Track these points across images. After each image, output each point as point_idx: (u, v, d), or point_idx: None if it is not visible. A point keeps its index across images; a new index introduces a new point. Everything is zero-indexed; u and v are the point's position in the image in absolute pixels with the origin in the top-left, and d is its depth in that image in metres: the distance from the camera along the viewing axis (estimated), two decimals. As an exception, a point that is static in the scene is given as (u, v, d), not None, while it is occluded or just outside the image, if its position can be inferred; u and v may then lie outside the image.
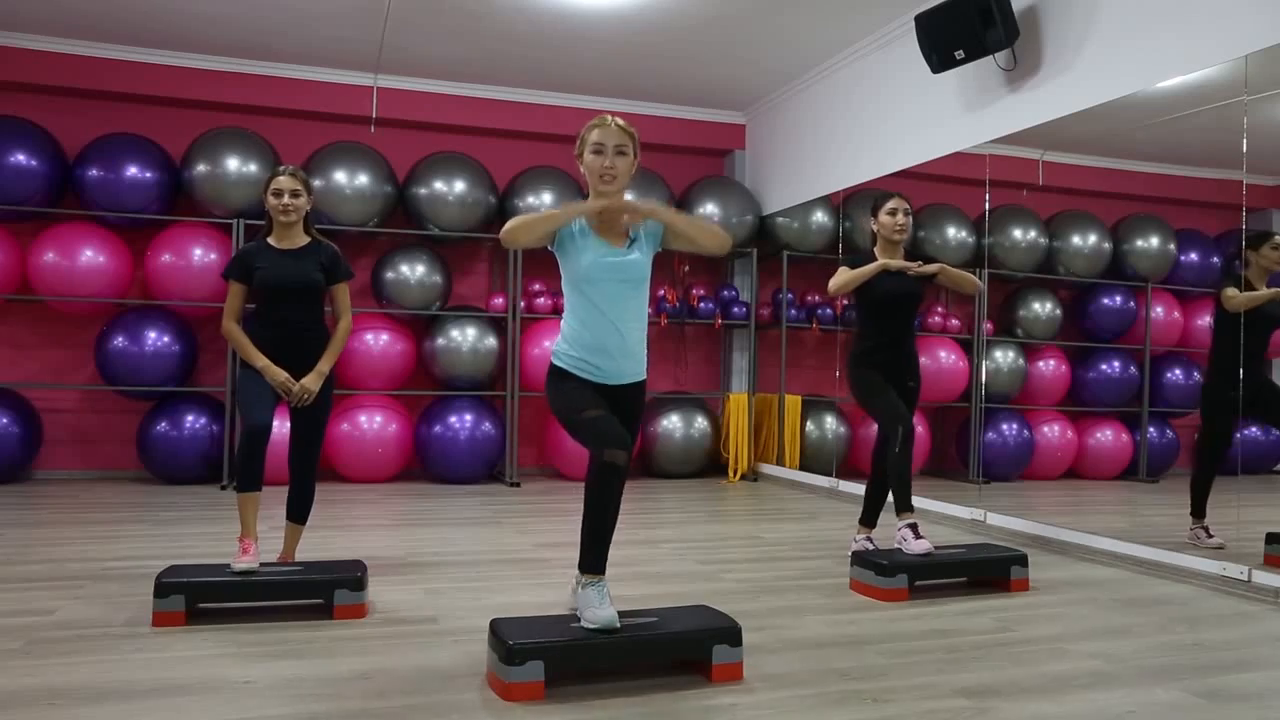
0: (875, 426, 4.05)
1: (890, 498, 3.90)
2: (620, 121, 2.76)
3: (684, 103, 7.46)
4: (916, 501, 3.99)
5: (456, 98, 7.02)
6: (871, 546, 3.92)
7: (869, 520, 4.07)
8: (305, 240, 3.48)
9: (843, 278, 3.90)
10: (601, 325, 2.71)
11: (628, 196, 2.82)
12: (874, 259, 3.95)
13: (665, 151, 7.37)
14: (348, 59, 6.52)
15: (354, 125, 6.84)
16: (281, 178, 3.41)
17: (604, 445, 2.57)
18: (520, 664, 2.34)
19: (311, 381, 3.35)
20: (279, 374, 3.30)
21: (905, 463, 3.80)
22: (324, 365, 3.41)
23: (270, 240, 3.44)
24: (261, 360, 3.30)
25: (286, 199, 3.39)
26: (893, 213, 3.93)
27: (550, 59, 6.41)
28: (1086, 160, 5.66)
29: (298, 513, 3.50)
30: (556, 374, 2.79)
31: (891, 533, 3.95)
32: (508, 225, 2.64)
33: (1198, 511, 4.26)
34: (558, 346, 2.80)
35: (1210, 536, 4.15)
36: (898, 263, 3.88)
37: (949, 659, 2.75)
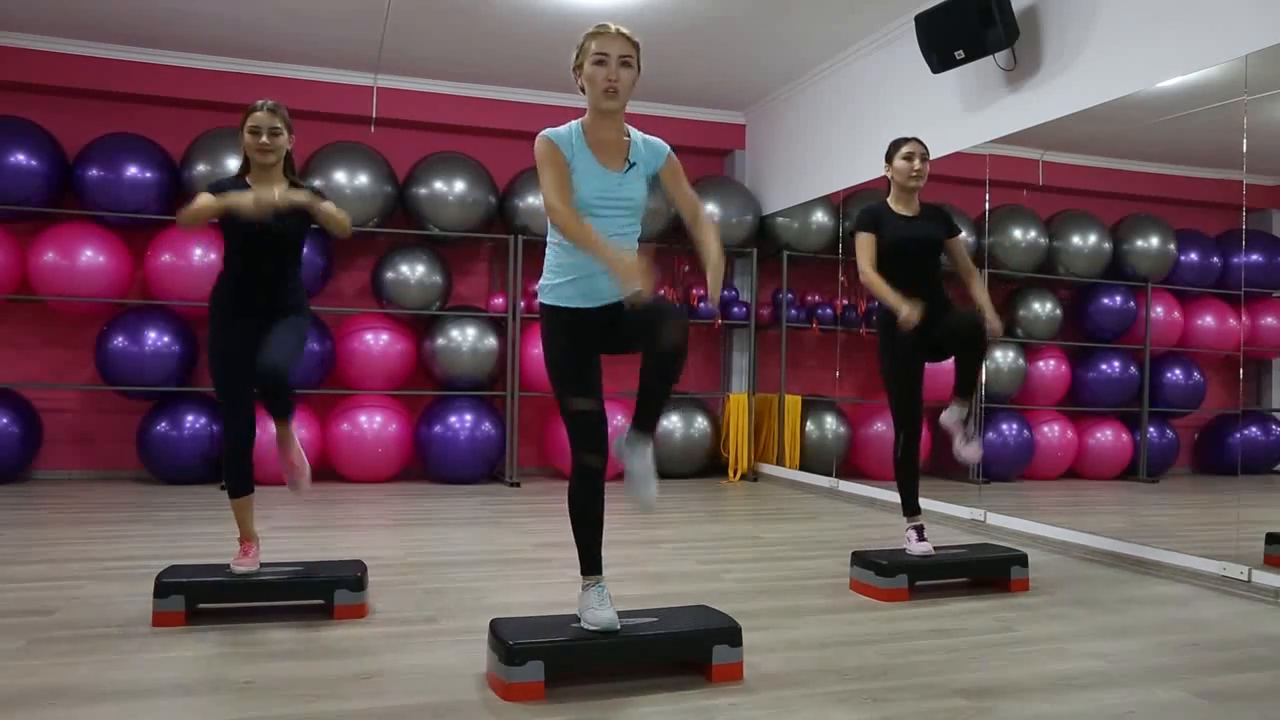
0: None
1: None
2: (625, 29, 2.52)
3: (684, 103, 7.46)
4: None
5: (456, 98, 7.02)
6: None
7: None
8: (284, 184, 3.14)
9: (871, 274, 3.64)
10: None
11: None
12: (887, 208, 3.75)
13: (665, 151, 7.35)
14: (348, 59, 6.52)
15: (354, 125, 6.83)
16: (259, 113, 3.06)
17: (584, 448, 2.53)
18: (520, 664, 2.34)
19: (287, 196, 3.00)
20: (244, 197, 2.93)
21: (908, 468, 3.76)
22: (323, 204, 3.07)
23: (247, 181, 3.12)
24: (225, 199, 2.94)
25: (265, 137, 3.05)
26: (909, 157, 3.70)
27: (550, 59, 6.40)
28: (1086, 160, 5.67)
29: (279, 411, 3.17)
30: (550, 316, 2.59)
31: (889, 534, 3.95)
32: (563, 219, 2.44)
33: None
34: (544, 281, 2.61)
35: None
36: (905, 311, 3.53)
37: (949, 659, 2.75)
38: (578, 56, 2.56)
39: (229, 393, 3.11)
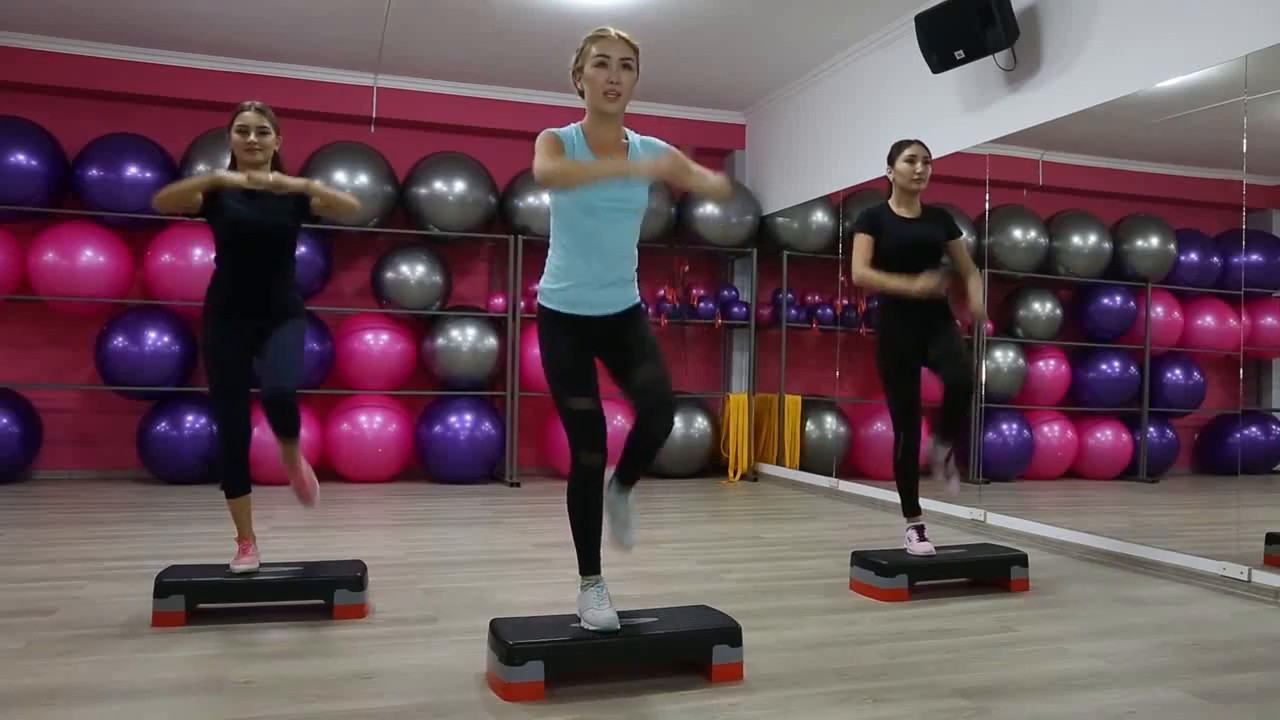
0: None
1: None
2: (625, 33, 2.53)
3: (684, 103, 7.46)
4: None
5: (456, 98, 7.02)
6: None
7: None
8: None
9: (865, 271, 3.65)
10: (594, 256, 2.53)
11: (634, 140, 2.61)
12: (889, 210, 3.74)
13: (665, 151, 7.35)
14: (348, 59, 6.52)
15: (354, 125, 6.83)
16: (247, 113, 3.08)
17: (583, 447, 2.53)
18: (520, 664, 2.34)
19: (287, 179, 3.01)
20: (234, 176, 2.97)
21: (907, 472, 3.76)
22: (314, 183, 3.09)
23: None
24: (210, 176, 3.00)
25: (253, 136, 3.06)
26: (911, 160, 3.69)
27: (550, 59, 6.40)
28: (1086, 160, 5.67)
29: (284, 427, 3.13)
30: (548, 319, 2.59)
31: (889, 535, 3.95)
32: (548, 171, 2.38)
33: None
34: (544, 285, 2.60)
35: None
36: (917, 283, 3.56)
37: (949, 659, 2.75)
38: (578, 59, 2.57)
39: (225, 392, 3.09)
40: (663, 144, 2.66)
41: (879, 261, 3.71)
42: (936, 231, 3.75)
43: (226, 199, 3.07)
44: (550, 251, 2.62)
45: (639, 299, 2.66)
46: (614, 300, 2.59)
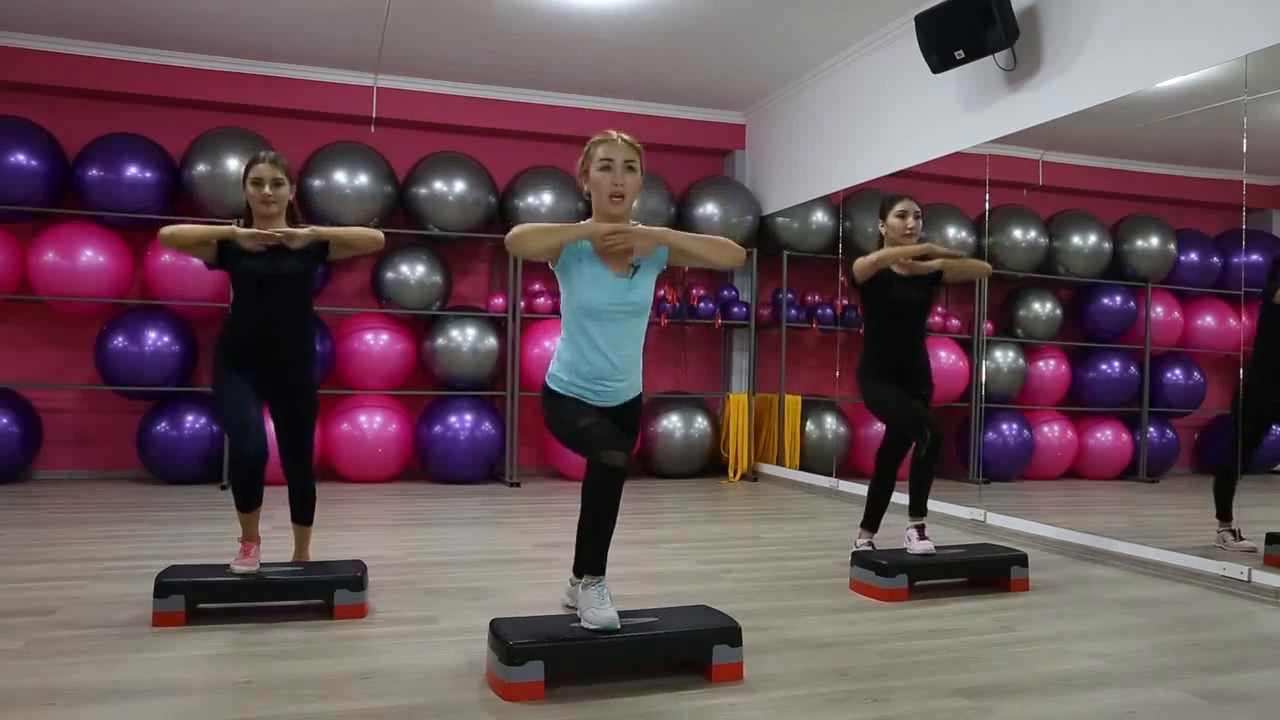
0: (878, 426, 4.01)
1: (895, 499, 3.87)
2: (627, 137, 2.67)
3: (684, 103, 7.46)
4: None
5: (456, 98, 7.02)
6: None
7: (872, 524, 3.93)
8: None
9: (868, 259, 3.72)
10: (598, 357, 2.66)
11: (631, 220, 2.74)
12: (887, 270, 3.78)
13: (665, 151, 7.37)
14: (348, 59, 6.52)
15: (354, 125, 6.83)
16: (262, 165, 3.14)
17: (601, 448, 2.53)
18: (520, 664, 2.34)
19: (296, 231, 3.12)
20: (245, 233, 3.07)
21: (928, 470, 3.76)
22: (321, 229, 3.19)
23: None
24: (222, 228, 3.09)
25: (268, 189, 3.12)
26: (902, 215, 3.75)
27: (550, 59, 6.41)
28: (1086, 160, 5.67)
29: (301, 515, 3.42)
30: (551, 395, 2.75)
31: (889, 535, 3.96)
32: (515, 231, 2.58)
33: (1224, 514, 4.11)
34: (553, 369, 2.76)
35: (1240, 539, 4.02)
36: (909, 250, 3.71)
37: (949, 659, 2.75)
38: (583, 163, 2.69)
39: (241, 424, 3.08)
40: (664, 252, 2.74)
41: (874, 317, 3.86)
42: (928, 289, 3.82)
43: (240, 251, 3.13)
44: (561, 340, 2.74)
45: (640, 389, 2.80)
46: (617, 394, 2.74)
